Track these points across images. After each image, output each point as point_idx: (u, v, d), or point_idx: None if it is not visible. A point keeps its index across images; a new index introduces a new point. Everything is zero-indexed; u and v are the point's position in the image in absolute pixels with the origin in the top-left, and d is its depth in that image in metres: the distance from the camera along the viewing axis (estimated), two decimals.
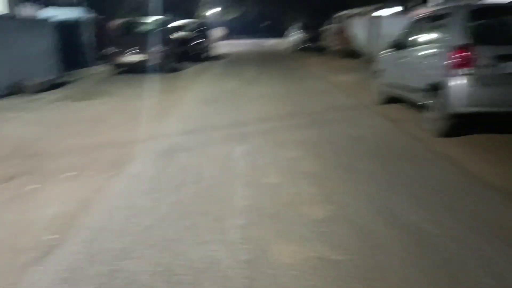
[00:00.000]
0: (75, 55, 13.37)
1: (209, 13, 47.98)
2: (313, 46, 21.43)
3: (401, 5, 25.31)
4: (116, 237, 2.86)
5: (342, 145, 4.85)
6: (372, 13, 25.59)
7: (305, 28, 22.98)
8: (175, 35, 17.29)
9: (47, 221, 3.14)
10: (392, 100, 6.92)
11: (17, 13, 13.68)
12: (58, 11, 24.66)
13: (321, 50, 20.80)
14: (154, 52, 12.04)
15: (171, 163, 4.44)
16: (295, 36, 22.53)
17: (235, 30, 58.74)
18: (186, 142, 5.24)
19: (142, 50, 11.99)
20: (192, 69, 14.02)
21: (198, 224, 3.02)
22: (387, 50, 7.13)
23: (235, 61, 17.09)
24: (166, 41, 13.07)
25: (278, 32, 53.27)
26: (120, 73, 12.36)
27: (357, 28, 19.45)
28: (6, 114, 7.19)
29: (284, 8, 53.29)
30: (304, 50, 21.33)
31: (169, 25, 15.15)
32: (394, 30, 13.08)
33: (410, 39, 6.23)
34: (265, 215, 3.13)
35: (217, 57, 18.95)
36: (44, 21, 11.51)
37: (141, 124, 6.34)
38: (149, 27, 13.65)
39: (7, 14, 12.23)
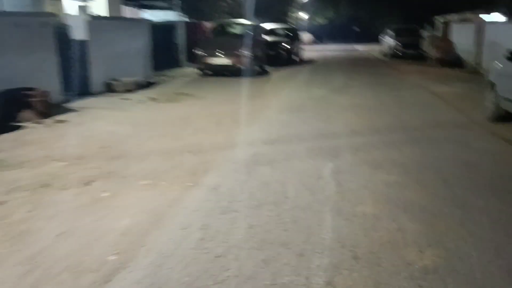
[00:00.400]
0: (168, 56, 13.70)
1: (298, 18, 47.72)
2: (409, 53, 20.04)
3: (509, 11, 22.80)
4: (184, 267, 2.49)
5: (452, 172, 4.10)
6: (477, 18, 23.45)
7: (399, 33, 21.60)
8: (266, 39, 17.17)
9: (115, 237, 2.88)
10: (510, 117, 5.93)
11: (116, 14, 14.42)
12: (155, 14, 26.04)
13: (418, 58, 19.37)
14: (243, 55, 11.87)
15: (252, 177, 4.04)
16: (389, 42, 21.24)
17: (324, 35, 57.86)
18: (270, 153, 4.82)
19: (231, 53, 11.89)
20: (280, 74, 13.68)
21: (278, 259, 2.56)
22: (504, 61, 6.13)
23: (324, 67, 16.45)
24: (256, 45, 12.88)
25: (369, 37, 51.33)
26: (208, 75, 12.39)
27: (461, 34, 17.82)
28: (97, 113, 7.36)
29: (376, 12, 51.39)
30: (399, 57, 20.01)
31: (260, 29, 14.94)
32: (505, 38, 11.77)
33: None
34: (359, 257, 2.58)
35: (306, 62, 18.45)
36: (141, 22, 11.91)
37: (224, 130, 6.06)
38: (239, 30, 13.57)
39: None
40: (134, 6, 26.97)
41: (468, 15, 26.22)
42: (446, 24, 22.24)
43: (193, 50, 12.64)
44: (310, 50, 31.34)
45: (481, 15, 24.08)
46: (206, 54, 12.00)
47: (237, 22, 14.28)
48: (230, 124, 6.44)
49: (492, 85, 6.45)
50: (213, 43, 12.60)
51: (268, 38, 17.60)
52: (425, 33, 21.57)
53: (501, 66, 6.20)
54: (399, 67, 15.62)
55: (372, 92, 9.51)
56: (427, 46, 16.61)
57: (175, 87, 10.78)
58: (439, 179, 3.91)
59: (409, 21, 33.52)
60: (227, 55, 11.91)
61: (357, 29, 53.90)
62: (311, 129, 5.98)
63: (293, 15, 44.34)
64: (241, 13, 25.88)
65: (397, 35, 21.20)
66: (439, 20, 32.30)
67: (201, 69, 12.31)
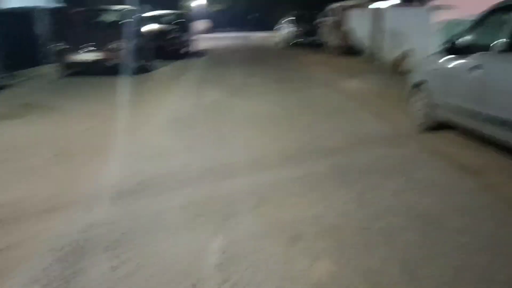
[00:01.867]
0: (23, 52, 10.80)
1: (193, 4, 45.24)
2: (306, 41, 19.13)
3: None
4: None
5: (415, 240, 2.56)
6: (369, 4, 23.43)
7: (298, 21, 20.63)
8: (148, 28, 14.85)
9: None
10: (442, 125, 4.72)
11: None
12: None
13: (316, 46, 18.51)
14: (117, 49, 9.60)
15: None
16: (286, 30, 20.12)
17: (221, 23, 56.01)
18: (118, 222, 2.89)
19: (101, 46, 9.54)
20: (166, 70, 11.61)
21: None
22: (437, 55, 4.88)
23: (220, 58, 14.66)
24: (134, 35, 10.63)
25: (266, 25, 50.64)
26: (72, 74, 9.90)
27: (356, 21, 17.22)
28: None
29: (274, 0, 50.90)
30: (297, 45, 19.00)
31: (140, 16, 12.62)
32: (401, 24, 11.05)
33: (493, 40, 3.93)
34: None
35: (198, 54, 16.48)
36: None
37: (66, 168, 4.00)
38: (112, 18, 11.18)
39: None
40: None
41: (360, 1, 26.37)
42: (340, 11, 21.77)
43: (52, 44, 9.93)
44: (207, 38, 29.39)
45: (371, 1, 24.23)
46: (66, 49, 9.46)
47: (112, 8, 11.83)
48: (79, 156, 4.37)
49: (419, 88, 5.19)
50: (80, 34, 10.10)
51: (150, 27, 15.32)
52: (323, 21, 20.85)
53: (433, 62, 4.93)
54: (300, 58, 14.44)
55: (275, 93, 7.96)
56: (325, 35, 15.67)
57: (24, 93, 8.22)
58: (397, 261, 2.32)
59: (306, 9, 33.12)
60: (97, 48, 9.52)
61: (256, 16, 53.01)
62: (197, 161, 4.15)
63: (187, 1, 41.73)
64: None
65: (296, 22, 20.19)
66: (334, 7, 32.49)
67: (62, 68, 9.74)
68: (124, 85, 8.47)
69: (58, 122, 5.96)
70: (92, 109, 6.74)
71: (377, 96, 7.46)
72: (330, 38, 15.08)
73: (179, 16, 16.89)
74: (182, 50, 15.53)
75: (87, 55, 9.38)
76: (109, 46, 9.51)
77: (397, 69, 9.63)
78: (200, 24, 41.79)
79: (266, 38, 28.04)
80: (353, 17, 18.77)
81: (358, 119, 5.84)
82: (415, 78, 5.41)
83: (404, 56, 9.64)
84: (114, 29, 10.21)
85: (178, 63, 12.96)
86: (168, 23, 16.19)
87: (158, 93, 8.08)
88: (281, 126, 5.52)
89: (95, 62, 9.47)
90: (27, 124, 5.80)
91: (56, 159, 4.29)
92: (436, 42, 5.98)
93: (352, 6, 22.66)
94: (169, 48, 14.69)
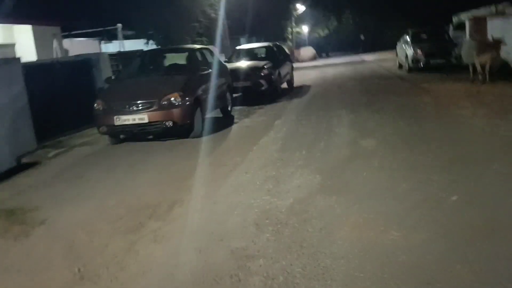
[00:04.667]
0: (76, 109, 8.89)
1: (297, 32, 42.99)
2: (434, 64, 15.00)
3: None
4: None
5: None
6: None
7: (420, 39, 16.59)
8: (234, 66, 12.38)
9: None
10: None
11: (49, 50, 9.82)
12: (126, 44, 21.58)
13: (449, 70, 14.31)
14: (172, 104, 7.04)
15: None
16: (406, 50, 16.16)
17: (329, 47, 53.00)
18: None
19: (151, 102, 7.05)
20: (253, 122, 8.80)
21: None
22: None
23: (322, 99, 11.37)
24: (203, 80, 8.08)
25: (377, 46, 46.31)
26: (123, 140, 7.60)
27: (504, 34, 12.76)
28: None
29: (383, 18, 46.37)
30: (424, 70, 14.95)
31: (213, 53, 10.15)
32: None
33: None
34: None
35: (297, 91, 13.52)
36: (9, 62, 7.07)
37: None
38: (179, 60, 8.82)
39: None
40: (93, 38, 22.69)
41: (500, 8, 21.10)
42: (477, 22, 17.14)
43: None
44: (310, 67, 26.49)
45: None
46: (108, 108, 7.13)
47: (178, 48, 9.50)
48: None
49: None
50: (129, 86, 7.80)
51: (238, 65, 12.84)
52: (459, 36, 16.48)
53: None
54: (432, 91, 10.53)
55: (410, 172, 4.53)
56: (466, 53, 11.55)
57: (50, 176, 5.97)
58: None
59: (422, 24, 28.37)
60: (145, 106, 7.04)
61: (363, 38, 48.94)
62: None
63: (291, 29, 39.58)
64: (222, 33, 21.39)
65: (416, 41, 16.15)
66: (461, 18, 27.16)
67: (104, 133, 7.42)
68: (184, 155, 5.82)
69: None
70: (117, 212, 4.08)
71: None
72: (476, 58, 10.95)
73: (272, 48, 14.18)
74: (279, 89, 12.76)
75: (130, 117, 6.93)
76: (163, 102, 6.97)
77: None
78: (304, 52, 39.25)
79: (378, 61, 24.13)
80: (497, 29, 14.28)
81: None
82: None
83: None
84: (174, 76, 7.76)
85: (270, 110, 10.10)
86: (260, 57, 13.65)
87: (223, 176, 5.17)
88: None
89: (142, 126, 6.98)
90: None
91: None
92: None
93: (491, 15, 17.92)
94: (260, 88, 12.05)
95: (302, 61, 36.82)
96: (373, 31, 49.07)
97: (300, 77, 17.81)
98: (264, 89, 12.11)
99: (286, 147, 6.31)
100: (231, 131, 8.07)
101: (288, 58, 15.10)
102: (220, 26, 20.82)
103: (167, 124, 7.01)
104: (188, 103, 7.23)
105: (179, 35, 20.58)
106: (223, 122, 8.79)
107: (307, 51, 39.54)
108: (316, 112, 9.05)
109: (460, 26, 22.04)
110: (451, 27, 21.43)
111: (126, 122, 6.96)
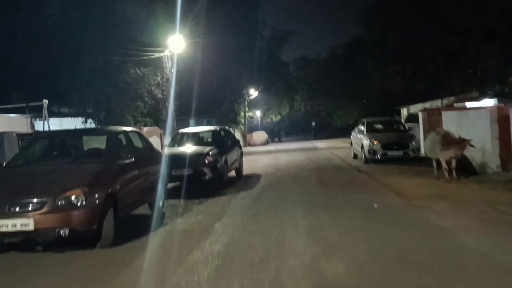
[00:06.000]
0: None
1: (250, 116, 42.87)
2: (392, 156, 14.19)
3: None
4: None
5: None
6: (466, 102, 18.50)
7: (376, 128, 15.99)
8: (176, 150, 10.85)
9: None
10: None
11: None
12: (63, 122, 19.53)
13: (409, 162, 13.50)
14: (75, 203, 5.20)
15: None
16: (361, 141, 15.35)
17: (282, 132, 53.37)
18: None
19: (42, 202, 5.15)
20: (181, 227, 7.00)
21: None
22: None
23: (272, 193, 9.85)
24: (120, 171, 6.33)
25: (328, 132, 47.20)
26: (9, 247, 5.53)
27: (464, 127, 12.27)
28: None
29: (334, 106, 47.68)
30: (381, 161, 14.05)
31: (143, 137, 8.53)
32: None
33: None
34: None
35: (246, 181, 12.00)
36: None
37: None
38: (85, 146, 7.08)
39: None
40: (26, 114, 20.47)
41: (454, 102, 21.52)
42: (430, 114, 16.93)
43: None
44: (262, 152, 25.47)
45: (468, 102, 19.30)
46: None
47: (94, 129, 7.86)
48: None
49: None
50: (8, 179, 5.88)
51: (181, 149, 11.32)
52: (414, 128, 15.99)
53: None
54: (395, 186, 9.36)
55: None
56: (429, 148, 10.67)
57: None
58: None
59: (372, 113, 28.68)
60: (31, 207, 5.11)
61: (314, 124, 49.78)
62: None
63: (244, 113, 39.29)
64: (168, 114, 20.02)
65: (372, 131, 15.48)
66: (410, 110, 27.75)
67: None
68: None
69: None
70: None
71: None
72: (436, 153, 10.06)
73: (221, 132, 12.84)
74: (225, 178, 11.18)
75: (8, 221, 4.97)
76: (58, 201, 5.11)
77: None
78: (257, 136, 38.75)
79: (331, 149, 23.50)
80: (455, 120, 13.87)
81: None
82: None
83: None
84: (84, 166, 5.99)
85: (210, 206, 8.39)
86: (207, 142, 12.21)
87: None
88: None
89: (24, 234, 5.02)
90: None
91: None
92: None
93: (445, 107, 17.89)
94: (203, 177, 10.45)
95: (254, 145, 36.15)
96: (324, 117, 50.16)
97: (251, 164, 16.43)
98: (207, 178, 10.52)
99: (221, 272, 4.52)
100: (155, 237, 6.20)
101: (237, 144, 13.75)
102: (170, 106, 19.43)
103: (61, 232, 5.08)
104: (96, 202, 5.40)
105: (121, 114, 19.04)
106: (149, 223, 6.93)
107: (260, 135, 39.12)
108: (266, 212, 7.43)
109: (412, 118, 22.23)
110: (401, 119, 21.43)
111: (2, 229, 4.97)
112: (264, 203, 8.24)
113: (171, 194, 9.48)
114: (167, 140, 16.21)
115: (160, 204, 7.99)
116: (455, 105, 17.76)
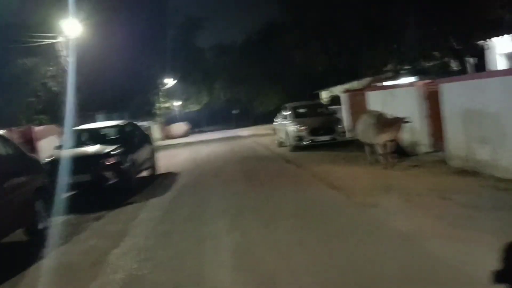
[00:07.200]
0: None
1: (167, 107, 40.40)
2: (319, 141, 13.29)
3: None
4: None
5: None
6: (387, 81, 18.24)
7: (301, 113, 14.99)
8: (69, 152, 8.86)
9: None
10: None
11: None
12: None
13: (336, 147, 12.66)
14: None
15: None
16: (286, 126, 14.26)
17: (203, 122, 51.46)
18: None
19: None
20: (65, 258, 5.21)
21: None
22: None
23: (193, 194, 8.29)
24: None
25: (250, 119, 46.26)
26: None
27: (390, 105, 11.63)
28: None
29: (254, 92, 46.78)
30: (309, 148, 13.08)
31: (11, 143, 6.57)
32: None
33: None
34: None
35: (161, 182, 10.30)
36: None
37: None
38: None
39: None
40: None
41: (371, 82, 21.24)
42: (353, 95, 16.32)
43: None
44: (182, 145, 23.62)
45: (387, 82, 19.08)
46: None
47: None
48: None
49: None
50: None
51: (76, 150, 9.33)
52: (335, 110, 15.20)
53: None
54: (328, 176, 8.27)
55: None
56: (362, 132, 9.75)
57: None
58: None
59: (291, 98, 27.96)
60: None
61: (236, 112, 48.60)
62: None
63: (160, 105, 36.79)
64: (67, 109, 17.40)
65: (297, 117, 14.44)
66: (329, 93, 27.29)
67: None
68: None
69: None
70: None
71: None
72: (369, 138, 9.13)
73: (127, 128, 10.91)
74: (133, 181, 9.38)
75: None
76: None
77: None
78: (176, 128, 36.61)
79: (255, 137, 22.39)
80: (379, 101, 13.24)
81: None
82: None
83: None
84: None
85: (109, 222, 6.62)
86: (110, 140, 10.23)
87: None
88: None
89: None
90: None
91: None
92: None
93: (368, 87, 17.39)
94: (106, 183, 8.62)
95: (174, 137, 34.09)
96: (245, 104, 49.14)
97: (169, 159, 14.69)
98: (111, 183, 8.68)
99: None
100: (23, 278, 4.40)
101: (148, 140, 11.89)
102: (70, 101, 16.83)
103: None
104: None
105: (10, 113, 16.14)
106: (20, 257, 5.07)
107: (179, 127, 37.01)
108: (179, 227, 5.85)
109: (334, 100, 21.68)
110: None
111: None
112: (178, 214, 6.63)
113: (67, 206, 7.57)
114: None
115: (42, 225, 6.12)
116: (377, 84, 17.41)
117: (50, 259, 5.07)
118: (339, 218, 5.38)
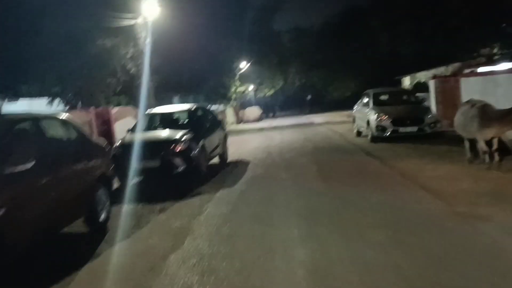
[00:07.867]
0: None
1: (242, 91, 40.13)
2: (403, 133, 11.95)
3: None
4: None
5: None
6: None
7: (384, 101, 13.68)
8: (138, 137, 8.63)
9: None
10: None
11: None
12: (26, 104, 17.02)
13: (425, 140, 11.29)
14: None
15: None
16: (368, 114, 12.99)
17: (276, 107, 50.76)
18: None
19: None
20: (119, 260, 4.74)
21: None
22: None
23: (260, 194, 7.47)
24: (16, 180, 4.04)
25: (324, 105, 44.66)
26: None
27: (490, 94, 10.01)
28: None
29: (330, 77, 45.09)
30: (391, 140, 11.81)
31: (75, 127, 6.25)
32: None
33: None
34: None
35: (230, 171, 9.76)
36: None
37: None
38: None
39: None
40: None
41: (459, 68, 19.11)
42: (444, 82, 14.59)
43: None
44: (254, 130, 23.16)
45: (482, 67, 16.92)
46: None
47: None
48: None
49: None
50: None
51: (145, 135, 9.05)
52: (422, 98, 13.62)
53: None
54: (417, 175, 7.12)
55: None
56: (462, 124, 8.37)
57: None
58: None
59: (369, 85, 26.28)
60: None
61: (310, 97, 47.32)
62: None
63: (235, 88, 36.61)
64: (142, 91, 17.55)
65: (380, 105, 13.14)
66: (416, 77, 25.05)
67: None
68: None
69: None
70: None
71: None
72: (471, 132, 7.75)
73: (198, 112, 10.47)
74: (203, 169, 8.90)
75: None
76: None
77: None
78: (250, 112, 36.30)
79: (329, 124, 21.25)
80: (477, 89, 11.58)
81: None
82: None
83: None
84: None
85: (173, 216, 6.13)
86: (181, 125, 9.86)
87: None
88: None
89: None
90: None
91: None
92: None
93: (463, 73, 15.48)
94: (174, 170, 8.25)
95: (248, 121, 33.90)
96: (319, 90, 47.68)
97: (240, 146, 14.20)
98: (180, 171, 8.29)
99: None
100: (71, 282, 3.97)
101: (219, 125, 11.40)
102: (145, 82, 16.91)
103: None
104: None
105: (90, 93, 16.52)
106: (78, 249, 4.71)
107: (253, 111, 36.68)
108: (246, 230, 5.14)
109: (418, 87, 19.81)
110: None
111: None
112: (246, 213, 5.92)
113: (134, 193, 7.31)
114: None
115: (103, 217, 5.76)
116: (474, 70, 15.44)
117: (105, 258, 4.63)
118: (441, 235, 4.34)
